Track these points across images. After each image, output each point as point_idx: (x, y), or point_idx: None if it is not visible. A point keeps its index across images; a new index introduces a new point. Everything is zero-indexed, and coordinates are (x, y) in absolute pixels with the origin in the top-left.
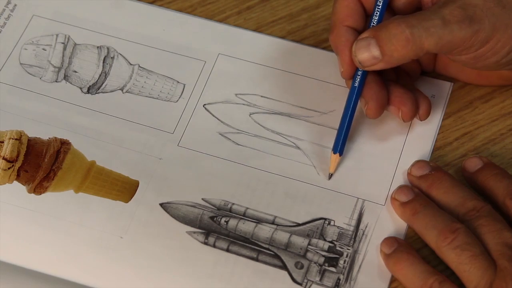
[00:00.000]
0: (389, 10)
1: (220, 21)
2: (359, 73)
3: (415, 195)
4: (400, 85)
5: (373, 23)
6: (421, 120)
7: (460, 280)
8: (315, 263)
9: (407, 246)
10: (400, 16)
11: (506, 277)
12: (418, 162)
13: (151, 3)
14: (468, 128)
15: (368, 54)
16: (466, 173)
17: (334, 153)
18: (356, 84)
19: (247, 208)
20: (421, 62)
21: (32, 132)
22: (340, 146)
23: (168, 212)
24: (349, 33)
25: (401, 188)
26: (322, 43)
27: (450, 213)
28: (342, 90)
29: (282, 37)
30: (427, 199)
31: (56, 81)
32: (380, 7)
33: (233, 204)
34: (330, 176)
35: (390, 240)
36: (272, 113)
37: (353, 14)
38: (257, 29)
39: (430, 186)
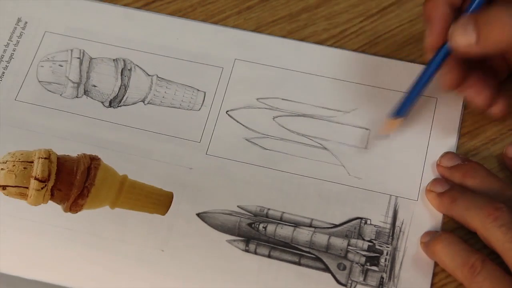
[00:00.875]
0: None
1: (221, 21)
2: (446, 48)
3: (451, 185)
4: (482, 72)
5: (472, 6)
6: (494, 118)
7: (504, 259)
8: (357, 263)
9: (445, 233)
10: (502, 3)
11: None
12: (447, 153)
13: (151, 2)
14: (468, 128)
15: (465, 36)
16: (509, 160)
17: (397, 114)
18: (439, 56)
19: (283, 212)
20: (510, 62)
21: (59, 149)
22: (405, 109)
23: (205, 222)
24: (446, 6)
25: (435, 180)
26: (322, 43)
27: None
28: (362, 88)
29: (287, 35)
30: (463, 187)
31: (77, 97)
32: None
33: (268, 209)
34: (384, 136)
35: (428, 231)
36: (295, 115)
37: None
38: (257, 29)
39: (464, 175)
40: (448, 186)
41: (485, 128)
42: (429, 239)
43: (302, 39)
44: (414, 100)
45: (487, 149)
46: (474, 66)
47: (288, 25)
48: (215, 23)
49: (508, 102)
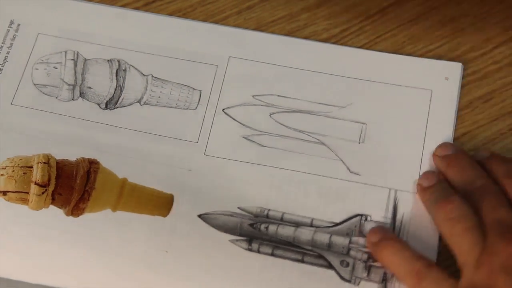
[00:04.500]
0: None
1: (220, 20)
2: None
3: (437, 180)
4: None
5: None
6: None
7: (452, 253)
8: (359, 260)
9: (393, 235)
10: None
11: (492, 252)
12: (443, 143)
13: (151, 2)
14: (468, 128)
15: None
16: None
17: None
18: None
19: (284, 212)
20: None
21: (57, 153)
22: None
23: (207, 223)
24: None
25: (425, 173)
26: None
27: (458, 187)
28: (356, 82)
29: (287, 35)
30: (446, 184)
31: (73, 99)
32: None
33: (269, 210)
34: None
35: (376, 229)
36: (292, 112)
37: None
38: (257, 29)
39: (448, 165)
40: (434, 180)
41: (485, 128)
42: (377, 240)
43: (300, 38)
44: None
45: (487, 149)
46: None
47: (288, 25)
48: (215, 23)
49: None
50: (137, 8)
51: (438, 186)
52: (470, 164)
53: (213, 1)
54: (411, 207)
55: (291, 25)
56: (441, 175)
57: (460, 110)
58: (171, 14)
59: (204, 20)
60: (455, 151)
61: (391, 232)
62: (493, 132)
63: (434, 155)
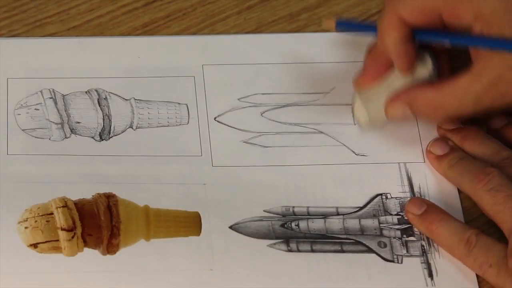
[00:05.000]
0: None
1: (221, 20)
2: None
3: (450, 148)
4: None
5: None
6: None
7: (495, 222)
8: (394, 238)
9: (436, 206)
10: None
11: None
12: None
13: (151, 2)
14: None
15: (400, 113)
16: (490, 132)
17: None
18: None
19: (308, 207)
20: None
21: (67, 194)
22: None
23: (241, 233)
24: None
25: (436, 141)
26: None
27: (484, 159)
28: (334, 66)
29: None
30: (462, 152)
31: (66, 137)
32: None
33: (293, 207)
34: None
35: (418, 202)
36: (281, 107)
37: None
38: (257, 29)
39: (464, 138)
40: (448, 148)
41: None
42: (420, 212)
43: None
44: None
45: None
46: None
47: (288, 25)
48: (215, 23)
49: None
50: (137, 9)
51: (455, 155)
52: (488, 136)
53: (213, 1)
54: (425, 176)
55: (291, 25)
56: (452, 142)
57: None
58: (171, 14)
59: (204, 21)
60: (464, 125)
61: (433, 204)
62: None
63: (441, 128)
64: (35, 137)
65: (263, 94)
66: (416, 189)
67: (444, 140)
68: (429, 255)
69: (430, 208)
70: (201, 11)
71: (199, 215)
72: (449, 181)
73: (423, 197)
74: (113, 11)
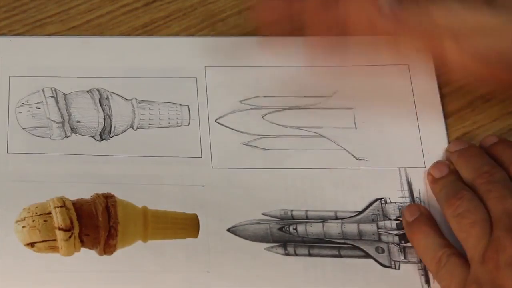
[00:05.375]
0: None
1: (221, 20)
2: None
3: (449, 171)
4: None
5: None
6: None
7: (463, 247)
8: (392, 243)
9: (428, 216)
10: None
11: (497, 248)
12: (455, 139)
13: (151, 2)
14: (468, 128)
15: None
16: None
17: None
18: None
19: (307, 210)
20: None
21: (67, 194)
22: None
23: (238, 235)
24: None
25: (437, 163)
26: None
27: (467, 177)
28: (336, 70)
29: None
30: (457, 175)
31: (66, 136)
32: None
33: (292, 211)
34: None
35: (412, 208)
36: (282, 110)
37: None
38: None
39: (457, 157)
40: (446, 171)
41: (485, 128)
42: (411, 220)
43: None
44: None
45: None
46: None
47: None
48: (215, 23)
49: None
50: (137, 9)
51: (448, 179)
52: (478, 153)
53: (213, 1)
54: (425, 181)
55: (291, 25)
56: (452, 165)
57: (460, 110)
58: (171, 14)
59: (204, 21)
60: (467, 145)
61: (427, 212)
62: (493, 132)
63: (446, 151)
64: (36, 136)
65: (264, 96)
66: (416, 194)
67: (444, 162)
68: None
69: (420, 217)
70: (201, 11)
71: (197, 217)
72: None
73: (422, 202)
74: (113, 11)
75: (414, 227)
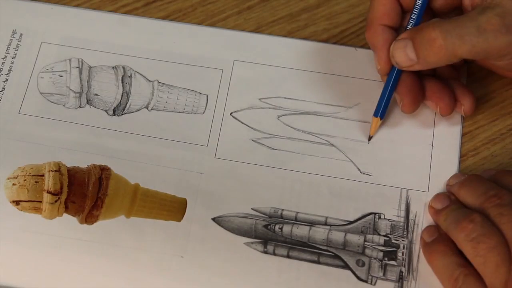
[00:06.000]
0: (429, 10)
1: (221, 20)
2: (395, 70)
3: (450, 202)
4: (437, 80)
5: (411, 24)
6: (465, 116)
7: (479, 273)
8: (375, 258)
9: (446, 237)
10: (437, 20)
11: None
12: (455, 174)
13: (152, 2)
14: (468, 128)
15: (405, 56)
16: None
17: (375, 116)
18: (391, 81)
19: (297, 212)
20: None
21: (66, 161)
22: (382, 111)
23: (222, 226)
24: (385, 32)
25: (437, 195)
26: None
27: (473, 204)
28: (363, 82)
29: (290, 37)
30: (459, 204)
31: (80, 107)
32: (418, 7)
33: (282, 210)
34: (370, 138)
35: (431, 229)
36: (299, 114)
37: (390, 13)
38: (257, 29)
39: (459, 187)
40: (447, 202)
41: (485, 128)
42: (429, 241)
43: (303, 39)
44: (384, 103)
45: (487, 149)
46: (426, 73)
47: (288, 25)
48: (215, 23)
49: (472, 95)
50: (137, 9)
51: (452, 207)
52: (480, 179)
53: (213, 1)
54: (425, 206)
55: (291, 25)
56: (453, 196)
57: None
58: (171, 14)
59: (205, 20)
60: (466, 176)
61: (445, 234)
62: (493, 132)
63: (447, 185)
64: (51, 102)
65: (285, 98)
66: (411, 216)
67: (445, 194)
68: (405, 283)
69: (439, 238)
70: (201, 11)
71: (186, 202)
72: (447, 233)
73: (416, 225)
74: (113, 11)
75: (432, 248)
